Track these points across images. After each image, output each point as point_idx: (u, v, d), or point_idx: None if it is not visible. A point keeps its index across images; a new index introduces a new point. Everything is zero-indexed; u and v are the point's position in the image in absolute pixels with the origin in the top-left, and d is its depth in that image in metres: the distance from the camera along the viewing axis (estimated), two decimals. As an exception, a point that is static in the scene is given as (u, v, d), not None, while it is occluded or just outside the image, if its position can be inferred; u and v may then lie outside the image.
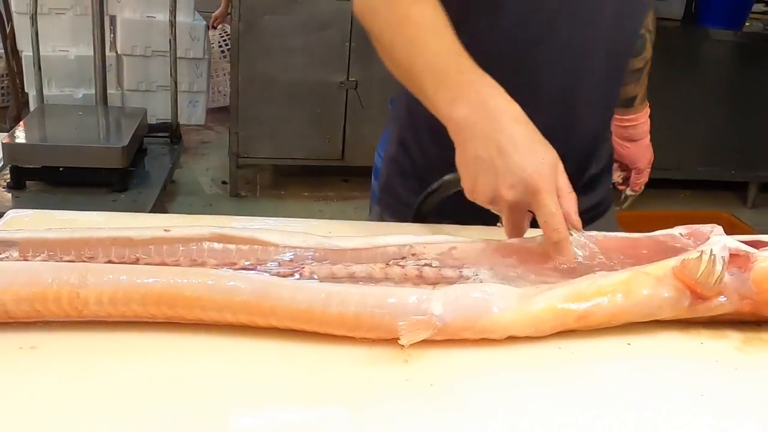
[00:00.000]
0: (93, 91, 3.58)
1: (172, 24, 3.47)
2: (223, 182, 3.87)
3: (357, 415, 0.62)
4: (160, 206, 3.14)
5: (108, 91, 3.60)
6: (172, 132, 3.66)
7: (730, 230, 0.83)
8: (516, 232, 0.84)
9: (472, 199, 0.84)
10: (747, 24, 3.92)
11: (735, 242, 0.79)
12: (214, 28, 4.74)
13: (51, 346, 0.69)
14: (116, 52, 3.81)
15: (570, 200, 0.81)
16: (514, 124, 0.82)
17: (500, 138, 0.80)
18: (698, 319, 0.77)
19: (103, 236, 0.77)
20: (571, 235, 0.80)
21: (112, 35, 3.80)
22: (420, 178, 1.12)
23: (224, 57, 4.69)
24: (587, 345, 0.74)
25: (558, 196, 0.80)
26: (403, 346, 0.69)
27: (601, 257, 0.81)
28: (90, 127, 3.33)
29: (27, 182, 3.00)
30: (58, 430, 0.59)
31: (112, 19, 3.75)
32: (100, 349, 0.69)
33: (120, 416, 0.60)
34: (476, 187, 0.82)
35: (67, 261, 0.74)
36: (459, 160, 0.84)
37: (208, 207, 3.62)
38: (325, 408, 0.63)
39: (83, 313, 0.70)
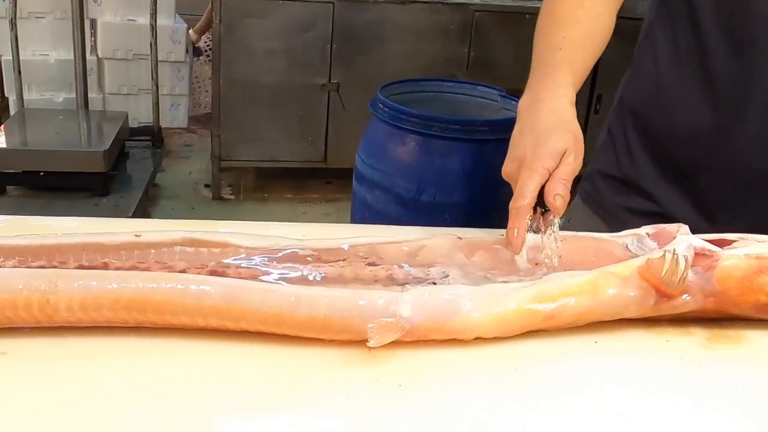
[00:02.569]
0: (74, 95, 3.57)
1: (153, 27, 3.47)
2: (206, 185, 3.86)
3: (328, 417, 0.63)
4: (142, 210, 3.13)
5: (89, 95, 3.59)
6: (154, 135, 3.66)
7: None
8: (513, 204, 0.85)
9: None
10: None
11: (700, 241, 0.81)
12: (195, 45, 4.72)
13: (21, 352, 0.69)
14: (97, 55, 3.80)
15: (558, 185, 0.82)
16: (547, 113, 0.88)
17: (527, 123, 0.88)
18: (663, 317, 0.79)
19: (74, 242, 0.77)
20: (537, 232, 0.83)
21: (92, 39, 3.79)
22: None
23: (208, 59, 4.68)
24: (555, 344, 0.75)
25: (550, 180, 0.82)
26: (371, 348, 0.70)
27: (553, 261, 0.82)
28: (71, 131, 3.33)
29: (7, 187, 2.99)
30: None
31: (93, 22, 3.74)
32: (71, 354, 0.70)
33: (92, 421, 0.61)
34: (506, 160, 0.89)
35: (38, 266, 0.75)
36: None
37: (191, 210, 3.61)
38: (296, 410, 0.64)
39: (54, 319, 0.70)
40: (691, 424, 0.66)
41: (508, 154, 0.88)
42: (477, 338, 0.74)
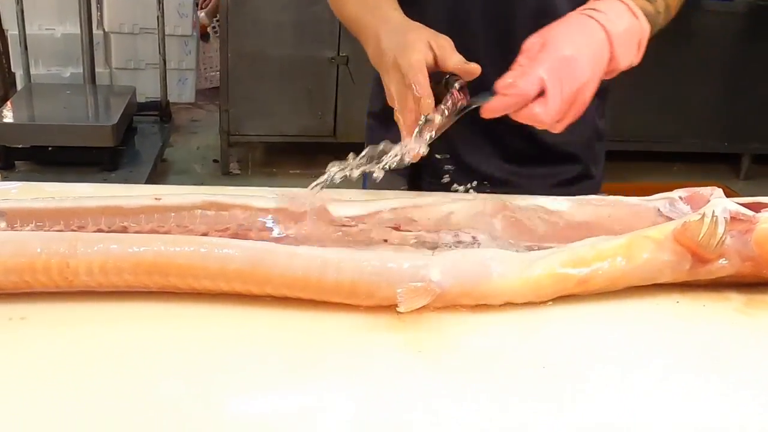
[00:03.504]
0: (81, 70, 3.53)
1: (160, 1, 3.43)
2: (214, 160, 3.83)
3: (353, 383, 0.61)
4: (150, 185, 3.12)
5: (96, 70, 3.55)
6: (161, 110, 3.62)
7: (724, 203, 0.82)
8: (400, 102, 0.84)
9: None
10: (739, -5, 3.89)
11: (735, 205, 0.78)
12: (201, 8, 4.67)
13: (41, 316, 0.67)
14: (103, 29, 3.76)
15: (453, 55, 0.84)
16: (387, 24, 0.90)
17: (383, 33, 0.89)
18: (699, 282, 0.76)
19: (93, 205, 0.75)
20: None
21: (98, 13, 3.75)
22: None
23: (216, 34, 4.64)
24: (587, 309, 0.73)
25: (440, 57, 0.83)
26: (400, 313, 0.68)
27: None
28: (78, 106, 3.30)
29: (16, 162, 2.97)
30: (50, 398, 0.57)
31: (99, -5, 3.70)
32: (90, 318, 0.68)
33: (113, 385, 0.59)
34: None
35: (56, 231, 0.73)
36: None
37: (199, 185, 3.59)
38: (321, 377, 0.62)
39: (73, 284, 0.68)
40: (728, 390, 0.63)
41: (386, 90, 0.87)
42: (507, 303, 0.72)
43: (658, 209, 0.82)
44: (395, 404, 0.59)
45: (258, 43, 3.50)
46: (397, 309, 0.68)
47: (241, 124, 3.66)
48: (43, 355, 0.63)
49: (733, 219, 0.76)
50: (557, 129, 0.82)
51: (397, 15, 0.93)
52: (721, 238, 0.72)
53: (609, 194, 2.33)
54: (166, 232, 0.74)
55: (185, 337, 0.67)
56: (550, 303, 0.73)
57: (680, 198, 0.83)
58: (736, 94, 3.97)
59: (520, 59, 0.83)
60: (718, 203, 0.78)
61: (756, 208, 0.78)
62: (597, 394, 0.62)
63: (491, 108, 0.81)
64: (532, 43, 0.83)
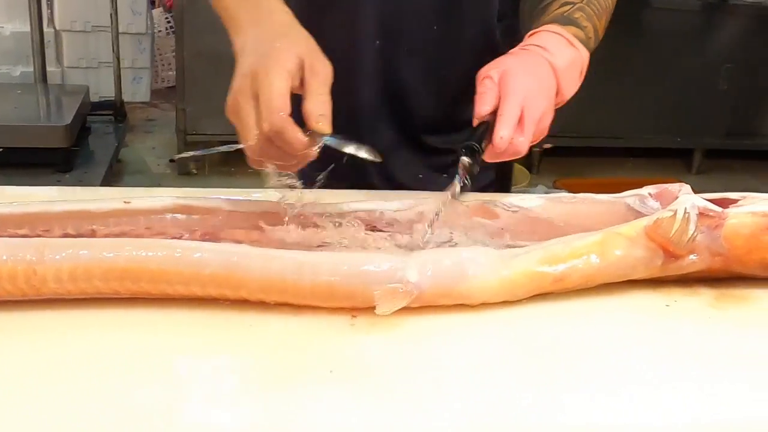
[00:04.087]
0: (31, 69, 3.45)
1: (113, -2, 3.36)
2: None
3: (335, 389, 0.61)
4: (106, 186, 3.05)
5: (47, 69, 3.47)
6: (116, 110, 3.56)
7: (677, 196, 0.83)
8: (243, 125, 0.74)
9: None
10: (691, -8, 3.97)
11: (704, 201, 0.79)
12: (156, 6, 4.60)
13: (5, 325, 0.65)
14: (54, 27, 3.68)
15: (316, 103, 0.72)
16: (267, 20, 0.78)
17: (248, 44, 0.76)
18: (669, 278, 0.77)
19: (59, 210, 0.73)
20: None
21: (49, 10, 3.67)
22: None
23: (172, 31, 4.56)
24: (563, 308, 0.73)
25: (305, 98, 0.73)
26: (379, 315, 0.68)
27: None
28: (30, 106, 3.22)
29: (-35, 164, 2.89)
30: (15, 410, 0.55)
31: (49, -7, 3.62)
32: (58, 326, 0.66)
33: (83, 396, 0.57)
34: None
35: (21, 236, 0.70)
36: None
37: (156, 186, 3.53)
38: (300, 383, 0.61)
39: (41, 291, 0.66)
40: (701, 385, 0.64)
41: (231, 90, 0.74)
42: (483, 303, 0.72)
43: (628, 206, 0.83)
44: (385, 409, 0.58)
45: (215, 42, 3.45)
46: (376, 311, 0.68)
47: (197, 123, 3.61)
48: (9, 365, 0.60)
49: (702, 215, 0.78)
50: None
51: (277, 8, 0.81)
52: (692, 234, 0.73)
53: (566, 190, 2.38)
54: (136, 236, 0.72)
55: (158, 344, 0.65)
56: (525, 301, 0.73)
57: (649, 194, 0.84)
58: (688, 91, 4.05)
59: (483, 90, 0.82)
60: (686, 200, 0.79)
61: (724, 204, 0.80)
62: (575, 392, 0.62)
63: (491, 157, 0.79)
64: (488, 76, 0.83)
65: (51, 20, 3.66)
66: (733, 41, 3.98)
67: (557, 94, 0.86)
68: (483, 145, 0.78)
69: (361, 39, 1.00)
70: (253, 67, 0.72)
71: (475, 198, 0.84)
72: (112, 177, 3.32)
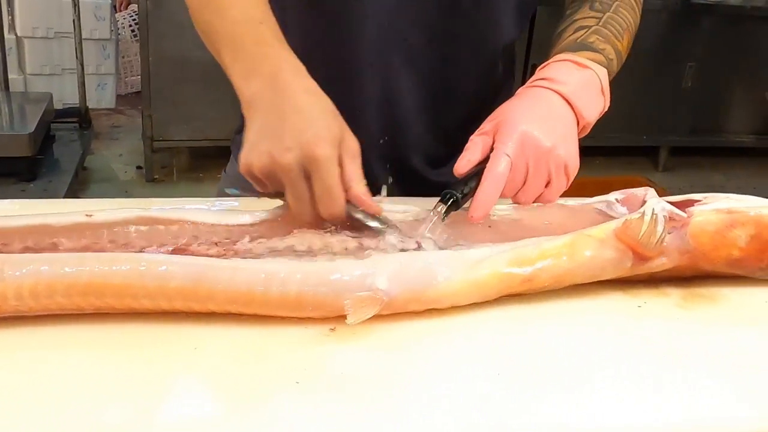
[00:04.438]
0: (-8, 76, 3.40)
1: (76, 3, 3.32)
2: (138, 167, 3.74)
3: (309, 403, 0.60)
4: (72, 194, 3.01)
5: (9, 76, 3.42)
6: (81, 117, 3.52)
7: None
8: (300, 205, 0.74)
9: (246, 174, 0.75)
10: (657, -9, 4.02)
11: (669, 205, 0.80)
12: (119, 11, 4.55)
13: (-32, 345, 0.64)
14: (15, 34, 3.63)
15: (362, 187, 0.74)
16: (303, 94, 0.75)
17: (285, 107, 0.74)
18: (638, 278, 0.78)
19: (19, 224, 0.71)
20: (377, 222, 0.75)
21: (9, 16, 3.61)
22: None
23: (135, 38, 4.52)
24: (532, 309, 0.73)
25: (343, 173, 0.73)
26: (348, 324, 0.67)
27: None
28: (-9, 115, 3.17)
29: (-74, 175, 2.83)
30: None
31: (9, 0, 3.56)
32: (21, 345, 0.64)
33: (50, 417, 0.56)
34: (252, 155, 0.73)
35: (-20, 253, 0.68)
36: (245, 136, 0.76)
37: (123, 193, 3.49)
38: (271, 392, 0.60)
39: (2, 309, 0.65)
40: (672, 385, 0.64)
41: (262, 142, 0.73)
42: (453, 306, 0.72)
43: (597, 211, 0.84)
44: (356, 419, 0.58)
45: (180, 47, 3.42)
46: (347, 321, 0.67)
47: (164, 129, 3.57)
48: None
49: (669, 219, 0.78)
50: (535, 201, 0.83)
51: (295, 66, 0.77)
52: (661, 236, 0.73)
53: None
54: (99, 250, 0.71)
55: (124, 360, 0.63)
56: (495, 304, 0.73)
57: (616, 200, 0.84)
58: (654, 89, 4.10)
59: (469, 145, 0.82)
60: (652, 203, 0.80)
61: (689, 203, 0.80)
62: (548, 394, 0.62)
63: (479, 205, 0.78)
64: (482, 132, 0.83)
65: (12, 26, 3.60)
66: (697, 40, 4.04)
67: (578, 118, 0.85)
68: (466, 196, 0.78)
69: (362, 68, 0.98)
70: (301, 140, 0.71)
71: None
72: (78, 185, 3.27)
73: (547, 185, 0.82)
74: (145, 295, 0.66)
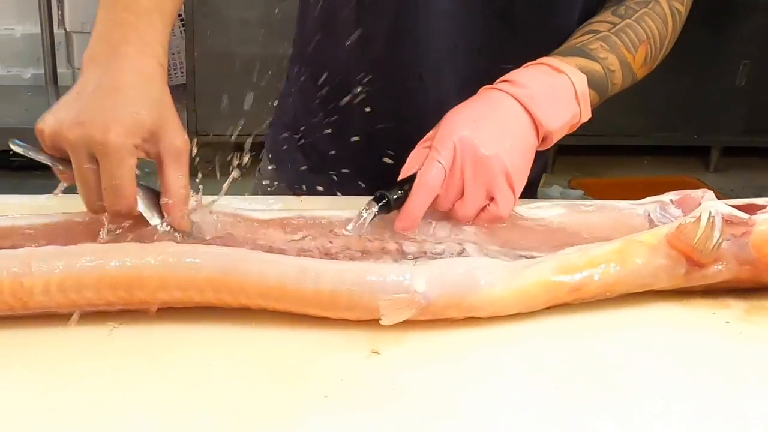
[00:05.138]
0: (42, 71, 3.44)
1: (123, -2, 3.34)
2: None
3: (328, 408, 0.57)
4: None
5: (58, 70, 3.46)
6: (126, 111, 3.54)
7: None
8: (85, 191, 0.67)
9: (39, 136, 0.69)
10: (707, -12, 3.91)
11: (728, 207, 0.75)
12: None
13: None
14: (65, 29, 3.66)
15: (178, 194, 0.69)
16: (131, 72, 0.68)
17: (105, 79, 0.66)
18: (695, 288, 0.73)
19: (50, 221, 0.70)
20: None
21: (59, 12, 3.65)
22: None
23: (181, 33, 4.55)
24: (581, 321, 0.69)
25: (161, 174, 0.68)
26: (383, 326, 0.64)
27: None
28: (40, 108, 3.14)
29: (-24, 167, 2.88)
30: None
31: (60, -5, 3.60)
32: (47, 347, 0.63)
33: (78, 423, 0.54)
34: (48, 118, 0.67)
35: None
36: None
37: (167, 187, 3.51)
38: (297, 397, 0.58)
39: (29, 305, 0.63)
40: (736, 401, 0.60)
41: (56, 110, 0.67)
42: (494, 316, 0.68)
43: (648, 214, 0.79)
44: None
45: (225, 42, 3.43)
46: (380, 322, 0.64)
47: (209, 123, 3.58)
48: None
49: (728, 222, 0.73)
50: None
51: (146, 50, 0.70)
52: (718, 241, 0.69)
53: (581, 189, 2.31)
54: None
55: (156, 360, 0.62)
56: (539, 314, 0.69)
57: (671, 201, 0.80)
58: (705, 87, 3.99)
59: (418, 149, 0.76)
60: (709, 206, 0.75)
61: (751, 210, 0.75)
62: (597, 412, 0.58)
63: (405, 216, 0.73)
64: (431, 132, 0.77)
65: (61, 21, 3.65)
66: (751, 37, 3.91)
67: (537, 129, 0.77)
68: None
69: (415, 76, 0.95)
70: (96, 119, 0.64)
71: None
72: (123, 178, 3.30)
73: (492, 200, 0.74)
74: (177, 287, 0.64)
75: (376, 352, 0.63)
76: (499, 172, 0.73)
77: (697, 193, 0.79)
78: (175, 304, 0.66)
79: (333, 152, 0.97)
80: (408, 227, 0.73)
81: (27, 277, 0.62)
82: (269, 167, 1.11)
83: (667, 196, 0.80)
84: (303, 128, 1.05)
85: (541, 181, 3.28)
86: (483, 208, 0.74)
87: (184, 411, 0.55)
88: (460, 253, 0.72)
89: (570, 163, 3.97)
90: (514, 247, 0.74)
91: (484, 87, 0.80)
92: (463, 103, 0.78)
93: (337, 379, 0.60)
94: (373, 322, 0.65)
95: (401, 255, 0.71)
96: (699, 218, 0.69)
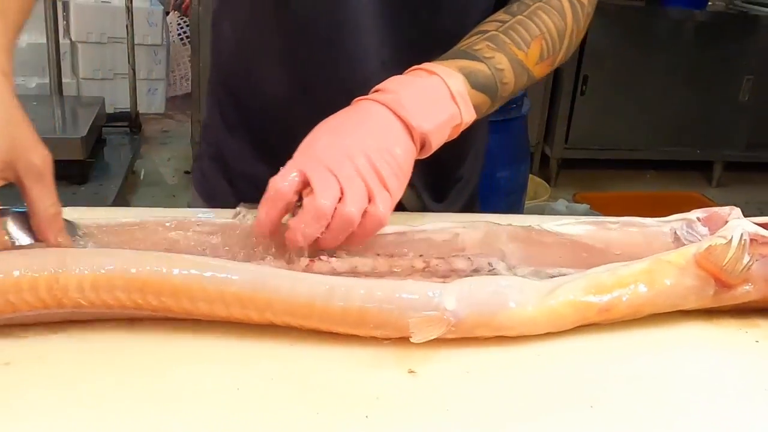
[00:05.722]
0: (47, 80, 3.44)
1: (129, 9, 3.35)
2: (186, 172, 3.76)
3: (370, 428, 0.57)
4: (121, 198, 3.04)
5: (63, 80, 3.47)
6: (131, 121, 3.55)
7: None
8: None
9: None
10: (710, 3, 3.93)
11: (754, 226, 0.75)
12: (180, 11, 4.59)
13: (27, 359, 0.62)
14: (70, 39, 3.68)
15: (47, 218, 0.66)
16: None
17: None
18: (723, 308, 0.73)
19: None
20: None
21: (65, 22, 3.67)
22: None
23: (183, 44, 4.56)
24: (610, 340, 0.69)
25: (26, 196, 0.65)
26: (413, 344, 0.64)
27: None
28: (46, 118, 3.20)
29: (-20, 176, 2.87)
30: None
31: (65, 4, 3.62)
32: (78, 359, 0.62)
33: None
34: None
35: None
36: None
37: (171, 198, 3.51)
38: (337, 417, 0.57)
39: (62, 302, 0.63)
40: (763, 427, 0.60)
41: None
42: (522, 335, 0.68)
43: (675, 231, 0.79)
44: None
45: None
46: (411, 340, 0.64)
47: (213, 134, 3.59)
48: (35, 405, 0.57)
49: (754, 241, 0.73)
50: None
51: None
52: (748, 263, 0.69)
53: (587, 203, 2.30)
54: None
55: (180, 372, 0.61)
56: (567, 334, 0.69)
57: (698, 219, 0.79)
58: (708, 103, 4.00)
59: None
60: (736, 224, 0.75)
61: (775, 227, 0.75)
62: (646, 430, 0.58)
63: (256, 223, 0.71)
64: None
65: (67, 31, 3.66)
66: (754, 53, 3.93)
67: (411, 131, 0.74)
68: None
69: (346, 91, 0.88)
70: None
71: (514, 223, 0.79)
72: (127, 189, 3.30)
73: (371, 201, 0.71)
74: (203, 298, 0.64)
75: (413, 372, 0.63)
76: (369, 172, 0.71)
77: (724, 210, 0.78)
78: (199, 315, 0.65)
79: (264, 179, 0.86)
80: (261, 234, 0.71)
81: (62, 274, 0.62)
82: (199, 201, 1.07)
83: (694, 214, 0.80)
84: (228, 158, 1.03)
85: (547, 196, 3.28)
86: (364, 213, 0.70)
87: None
88: (490, 271, 0.71)
89: (573, 176, 3.98)
90: (543, 264, 0.74)
91: (356, 98, 0.78)
92: (331, 116, 0.76)
93: (373, 398, 0.59)
94: (399, 339, 0.65)
95: (429, 273, 0.71)
96: (730, 241, 0.69)
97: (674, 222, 0.80)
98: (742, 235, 0.69)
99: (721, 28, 3.88)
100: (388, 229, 0.76)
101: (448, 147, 0.80)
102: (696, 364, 0.67)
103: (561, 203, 3.00)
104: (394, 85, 0.77)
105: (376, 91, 0.77)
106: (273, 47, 0.94)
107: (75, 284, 0.62)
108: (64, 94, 3.47)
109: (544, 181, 3.34)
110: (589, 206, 3.00)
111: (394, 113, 0.75)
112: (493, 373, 0.64)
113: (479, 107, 0.81)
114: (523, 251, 0.75)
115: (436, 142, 0.77)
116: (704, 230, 0.78)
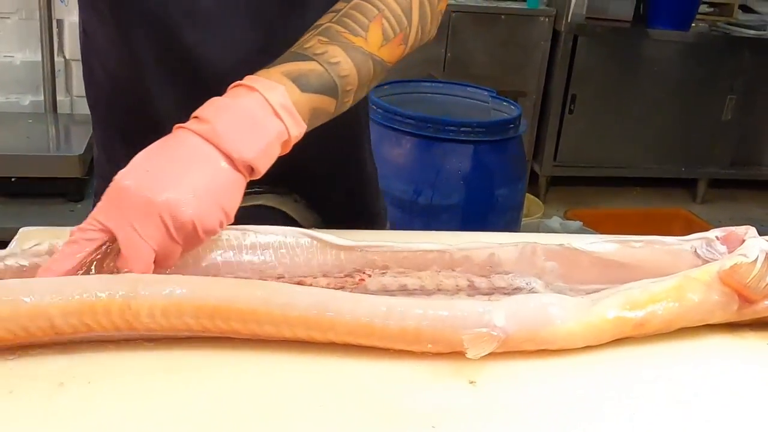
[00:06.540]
0: (41, 98, 3.46)
1: (125, 28, 3.37)
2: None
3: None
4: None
5: (57, 98, 3.48)
6: (126, 138, 3.55)
7: (687, 226, 0.84)
8: None
9: None
10: (694, 25, 4.03)
11: (768, 244, 0.80)
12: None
13: (81, 381, 0.65)
14: (64, 57, 3.69)
15: None
16: None
17: None
18: (744, 322, 0.79)
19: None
20: None
21: (59, 40, 3.68)
22: None
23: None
24: (645, 350, 0.75)
25: None
26: (469, 359, 0.68)
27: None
28: (41, 136, 3.22)
29: (-22, 195, 2.88)
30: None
31: (59, 23, 3.63)
32: (137, 379, 0.66)
33: None
34: None
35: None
36: None
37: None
38: (405, 428, 0.61)
39: (134, 326, 0.67)
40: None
41: None
42: (563, 348, 0.73)
43: (695, 249, 0.84)
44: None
45: (226, 72, 3.46)
46: (466, 355, 0.68)
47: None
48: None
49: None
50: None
51: None
52: (770, 280, 0.74)
53: (579, 219, 2.34)
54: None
55: (246, 386, 0.66)
56: (599, 346, 0.74)
57: (716, 238, 0.85)
58: (692, 121, 4.10)
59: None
60: (754, 243, 0.80)
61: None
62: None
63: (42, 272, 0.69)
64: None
65: (61, 49, 3.67)
66: (737, 72, 4.04)
67: (233, 161, 0.71)
68: None
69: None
70: None
71: (548, 242, 0.84)
72: (123, 206, 3.31)
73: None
74: (269, 322, 0.68)
75: (473, 382, 0.67)
76: (174, 216, 0.68)
77: (740, 230, 0.84)
78: (265, 336, 0.70)
79: None
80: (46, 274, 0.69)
81: (134, 300, 0.66)
82: None
83: (713, 233, 0.85)
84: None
85: (541, 213, 3.34)
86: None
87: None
88: (530, 290, 0.76)
89: (562, 194, 4.06)
90: (576, 281, 0.79)
91: (175, 126, 0.73)
92: (145, 150, 0.72)
93: (440, 410, 0.64)
94: (451, 353, 0.69)
95: (474, 291, 0.76)
96: (755, 260, 0.74)
97: (694, 240, 0.85)
98: (767, 254, 0.75)
99: (705, 49, 3.99)
100: (429, 246, 0.81)
101: (316, 155, 0.79)
102: (727, 374, 0.73)
103: (555, 220, 3.07)
104: (211, 112, 0.72)
105: (195, 118, 0.72)
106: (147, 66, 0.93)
107: (146, 310, 0.67)
108: (59, 111, 3.49)
109: (537, 199, 3.40)
110: (581, 223, 3.06)
111: (212, 144, 0.70)
112: (545, 383, 0.69)
113: (320, 110, 0.77)
114: (559, 269, 0.80)
115: (263, 165, 0.73)
116: (723, 248, 0.84)
